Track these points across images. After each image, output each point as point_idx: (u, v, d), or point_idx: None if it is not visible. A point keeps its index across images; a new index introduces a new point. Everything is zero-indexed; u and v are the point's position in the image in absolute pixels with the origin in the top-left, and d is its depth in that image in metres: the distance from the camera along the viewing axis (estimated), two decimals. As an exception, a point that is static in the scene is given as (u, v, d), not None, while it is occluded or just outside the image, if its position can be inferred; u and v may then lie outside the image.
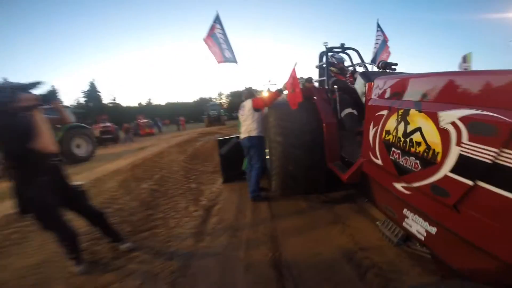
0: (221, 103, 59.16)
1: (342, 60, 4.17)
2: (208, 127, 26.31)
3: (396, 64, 3.04)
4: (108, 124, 19.87)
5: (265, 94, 4.99)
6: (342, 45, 4.39)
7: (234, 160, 5.29)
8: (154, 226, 3.73)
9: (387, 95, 2.44)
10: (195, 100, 65.60)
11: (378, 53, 5.83)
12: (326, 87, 4.03)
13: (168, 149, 12.06)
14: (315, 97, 3.86)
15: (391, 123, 2.27)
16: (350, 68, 4.30)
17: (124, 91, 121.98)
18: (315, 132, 3.60)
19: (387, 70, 3.04)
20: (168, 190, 5.43)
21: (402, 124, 2.08)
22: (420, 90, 2.01)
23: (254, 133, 4.14)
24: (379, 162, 2.40)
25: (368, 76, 2.83)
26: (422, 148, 1.81)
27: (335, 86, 3.72)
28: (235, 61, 5.61)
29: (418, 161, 1.84)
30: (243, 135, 4.29)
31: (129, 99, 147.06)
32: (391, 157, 2.16)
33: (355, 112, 3.51)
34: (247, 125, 4.19)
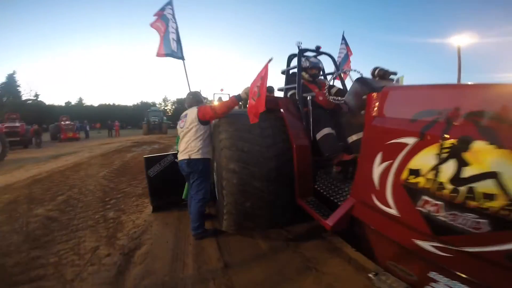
0: (165, 109, 54.74)
1: (318, 66, 3.11)
2: (147, 135, 23.25)
3: (395, 73, 2.21)
4: (17, 124, 15.86)
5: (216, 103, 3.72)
6: (318, 48, 3.25)
7: (169, 184, 3.87)
8: (39, 277, 2.40)
9: (414, 113, 1.52)
10: (135, 104, 59.54)
11: (341, 66, 5.21)
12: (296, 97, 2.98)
13: (90, 159, 9.69)
14: (282, 110, 2.83)
15: (425, 159, 1.40)
16: (323, 78, 3.43)
17: (52, 87, 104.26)
18: (282, 157, 2.59)
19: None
20: (72, 220, 3.81)
21: (453, 163, 1.28)
22: (493, 110, 1.20)
23: (196, 155, 2.87)
24: (392, 211, 1.59)
25: (368, 84, 1.91)
26: (497, 203, 1.14)
27: (308, 98, 2.78)
28: (181, 57, 4.44)
29: (484, 221, 1.19)
30: (181, 157, 2.94)
31: (56, 97, 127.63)
32: (419, 208, 1.42)
33: (333, 133, 2.62)
34: (188, 142, 2.88)
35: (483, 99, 1.28)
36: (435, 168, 1.36)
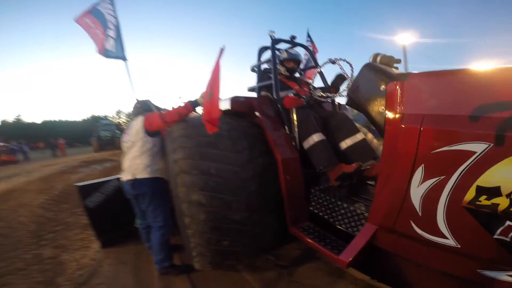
0: (119, 122, 50.03)
1: (296, 58, 2.49)
2: (98, 153, 19.72)
3: (399, 61, 1.74)
4: None
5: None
6: (292, 38, 2.64)
7: (119, 213, 2.94)
8: None
9: (474, 107, 1.03)
10: (86, 118, 53.82)
11: (308, 63, 4.82)
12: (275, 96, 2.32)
13: (25, 185, 7.84)
14: (258, 113, 2.19)
15: (506, 172, 0.90)
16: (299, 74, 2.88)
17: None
18: (264, 176, 1.93)
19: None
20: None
21: None
22: None
23: (143, 174, 2.17)
24: (447, 241, 1.11)
25: (386, 71, 1.38)
26: None
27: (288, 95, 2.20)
28: (123, 57, 3.78)
29: None
30: (125, 177, 2.25)
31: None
32: (497, 237, 0.99)
33: (325, 139, 2.04)
34: (132, 159, 2.21)
35: None
36: None
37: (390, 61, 1.55)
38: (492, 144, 0.94)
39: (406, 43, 15.32)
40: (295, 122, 2.08)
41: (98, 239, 3.07)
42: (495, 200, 0.95)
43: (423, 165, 1.13)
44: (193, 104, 2.12)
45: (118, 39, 3.81)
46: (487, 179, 0.96)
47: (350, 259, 1.37)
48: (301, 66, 2.55)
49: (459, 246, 1.07)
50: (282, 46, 2.68)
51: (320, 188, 1.99)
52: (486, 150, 0.96)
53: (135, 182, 2.17)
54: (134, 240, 3.02)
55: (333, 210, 1.79)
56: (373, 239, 1.38)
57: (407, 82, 1.22)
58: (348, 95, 1.55)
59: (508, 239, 0.96)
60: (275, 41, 2.44)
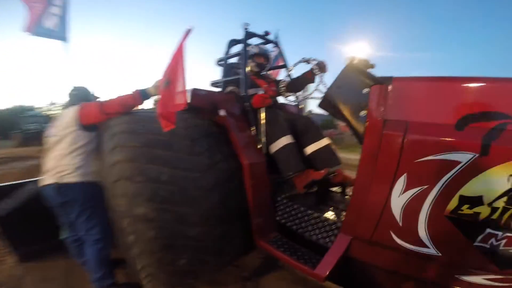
0: (50, 115, 42.70)
1: (268, 54, 2.30)
2: (20, 148, 17.27)
3: (373, 66, 1.72)
4: None
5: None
6: (266, 33, 2.46)
7: (38, 223, 2.33)
8: None
9: (459, 116, 1.02)
10: (8, 108, 44.78)
11: (273, 63, 4.76)
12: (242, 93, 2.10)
13: None
14: (222, 110, 1.90)
15: (489, 182, 0.94)
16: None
17: None
18: (227, 184, 1.67)
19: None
20: None
21: None
22: None
23: (72, 177, 1.74)
24: (428, 251, 1.11)
25: (368, 73, 1.33)
26: None
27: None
28: (63, 38, 3.46)
29: None
30: (47, 180, 1.79)
31: None
32: (478, 244, 1.02)
33: (294, 142, 1.91)
34: (59, 158, 1.76)
35: None
36: (510, 194, 0.89)
37: (365, 65, 1.49)
38: (477, 154, 0.94)
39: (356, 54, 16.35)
40: (263, 123, 1.92)
41: (14, 252, 2.48)
42: (477, 209, 0.97)
43: (405, 174, 1.10)
44: (142, 94, 1.77)
45: (64, 18, 3.48)
46: (470, 188, 0.97)
47: (327, 273, 1.27)
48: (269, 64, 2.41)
49: (440, 254, 1.08)
50: (252, 41, 2.50)
51: (286, 196, 1.86)
52: (471, 160, 0.96)
53: (61, 187, 1.73)
54: (64, 254, 2.51)
55: (302, 219, 1.68)
56: (348, 250, 1.32)
57: (390, 86, 1.17)
58: (326, 96, 1.45)
59: (488, 246, 0.99)
60: (249, 35, 2.25)
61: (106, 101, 1.76)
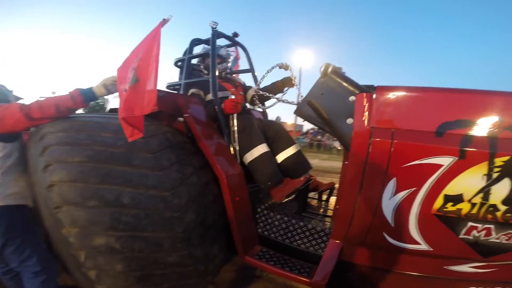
0: None
1: (226, 55, 2.14)
2: None
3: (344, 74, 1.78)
4: None
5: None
6: (235, 34, 2.31)
7: None
8: None
9: (438, 124, 1.13)
10: None
11: (232, 65, 4.60)
12: (210, 97, 1.88)
13: None
14: (187, 115, 1.64)
15: (468, 181, 1.07)
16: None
17: None
18: (202, 200, 1.45)
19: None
20: None
21: (507, 182, 1.03)
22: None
23: None
24: (420, 247, 1.19)
25: (353, 81, 1.34)
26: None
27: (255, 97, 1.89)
28: None
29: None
30: None
31: None
32: (463, 237, 1.13)
33: (270, 151, 1.82)
34: None
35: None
36: (485, 191, 1.03)
37: (340, 73, 1.51)
38: (456, 158, 1.04)
39: (302, 64, 16.71)
40: (236, 130, 1.79)
41: None
42: (459, 206, 1.09)
43: (394, 178, 1.15)
44: (84, 94, 1.41)
45: None
46: (452, 188, 1.08)
47: (326, 280, 1.24)
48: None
49: (431, 249, 1.17)
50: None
51: (265, 207, 1.78)
52: (451, 163, 1.07)
53: None
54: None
55: (287, 229, 1.61)
56: (341, 255, 1.32)
57: (375, 95, 1.21)
58: (308, 103, 1.42)
59: (471, 237, 1.12)
60: (217, 35, 2.08)
61: (32, 103, 1.37)
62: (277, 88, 2.03)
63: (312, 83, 1.46)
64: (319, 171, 7.81)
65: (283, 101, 1.79)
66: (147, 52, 1.22)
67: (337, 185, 1.99)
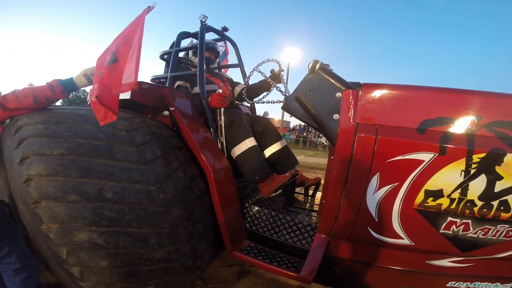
0: None
1: (216, 48, 2.13)
2: None
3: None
4: None
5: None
6: (224, 28, 2.26)
7: None
8: None
9: (419, 121, 1.15)
10: None
11: (221, 60, 4.54)
12: (196, 90, 1.82)
13: None
14: (172, 108, 1.59)
15: (448, 177, 1.10)
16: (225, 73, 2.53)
17: None
18: (188, 195, 1.42)
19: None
20: None
21: (483, 178, 1.07)
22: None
23: None
24: (402, 241, 1.22)
25: (339, 77, 1.34)
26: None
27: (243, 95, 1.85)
28: None
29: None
30: None
31: None
32: (442, 231, 1.16)
33: (257, 144, 1.78)
34: None
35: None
36: (463, 186, 1.07)
37: (328, 70, 1.51)
38: (436, 154, 1.07)
39: (291, 61, 16.42)
40: (223, 124, 1.76)
41: None
42: (439, 201, 1.11)
43: (378, 173, 1.17)
44: (64, 85, 1.35)
45: None
46: (432, 183, 1.11)
47: (313, 274, 1.25)
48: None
49: (413, 244, 1.21)
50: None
51: (252, 201, 1.77)
52: (432, 159, 1.09)
53: None
54: None
55: (274, 224, 1.61)
56: (327, 249, 1.33)
57: (361, 92, 1.21)
58: (295, 99, 1.41)
59: (450, 232, 1.15)
60: (206, 28, 2.02)
61: (7, 94, 1.29)
62: (265, 85, 2.01)
63: (299, 80, 1.46)
64: (305, 167, 7.90)
65: (270, 102, 1.79)
66: (129, 37, 1.17)
67: (322, 181, 2.00)
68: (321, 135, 1.78)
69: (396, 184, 1.14)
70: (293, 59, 17.20)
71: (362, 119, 1.21)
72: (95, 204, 1.14)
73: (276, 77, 1.91)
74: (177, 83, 1.91)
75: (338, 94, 1.29)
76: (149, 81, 2.09)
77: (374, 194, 1.18)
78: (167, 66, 2.11)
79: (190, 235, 1.38)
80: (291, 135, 18.31)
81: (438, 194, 1.09)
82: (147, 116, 1.66)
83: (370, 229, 1.22)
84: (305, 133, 17.41)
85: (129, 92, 1.55)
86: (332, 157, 1.31)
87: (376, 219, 1.20)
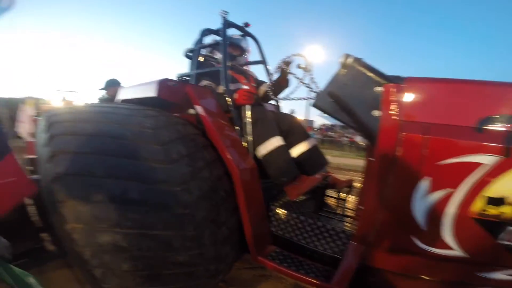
0: None
1: (243, 46, 2.05)
2: None
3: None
4: None
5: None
6: (246, 24, 2.15)
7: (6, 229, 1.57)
8: None
9: (477, 119, 1.00)
10: None
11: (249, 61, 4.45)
12: (223, 88, 1.74)
13: None
14: (198, 106, 1.54)
15: (508, 184, 0.94)
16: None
17: None
18: (213, 196, 1.33)
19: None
20: None
21: None
22: None
23: None
24: (453, 252, 1.06)
25: (378, 70, 1.20)
26: None
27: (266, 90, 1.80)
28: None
29: None
30: None
31: None
32: (503, 242, 0.99)
33: (285, 144, 1.68)
34: None
35: None
36: None
37: (363, 63, 1.35)
38: (498, 156, 0.92)
39: (314, 59, 15.96)
40: (249, 122, 1.66)
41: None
42: (501, 209, 0.97)
43: (428, 177, 1.02)
44: None
45: None
46: (493, 189, 0.97)
47: (346, 285, 1.13)
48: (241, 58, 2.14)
49: (465, 255, 1.05)
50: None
51: (279, 204, 1.65)
52: (493, 162, 0.96)
53: None
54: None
55: (303, 229, 1.50)
56: (362, 259, 1.19)
57: (405, 86, 1.06)
58: (328, 95, 1.28)
59: (510, 243, 0.99)
60: (228, 24, 1.94)
61: None
62: (282, 79, 1.88)
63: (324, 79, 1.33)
64: (331, 167, 7.62)
65: (298, 99, 1.65)
66: None
67: (355, 183, 1.84)
68: (348, 135, 1.62)
69: (450, 189, 0.99)
70: (317, 58, 16.53)
71: (406, 116, 1.07)
72: (120, 205, 1.09)
73: (305, 71, 1.78)
74: (203, 83, 1.85)
75: (378, 89, 1.15)
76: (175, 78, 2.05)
77: (423, 200, 1.03)
78: (192, 63, 2.06)
79: (215, 239, 1.31)
80: (316, 134, 17.85)
81: (500, 201, 0.94)
82: (173, 114, 1.60)
83: (415, 239, 1.08)
84: (330, 133, 16.86)
85: (155, 90, 1.51)
86: (371, 159, 1.17)
87: (423, 228, 1.05)
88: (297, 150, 1.79)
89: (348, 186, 1.86)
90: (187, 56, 2.14)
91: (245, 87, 1.68)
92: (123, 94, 1.95)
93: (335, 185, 1.82)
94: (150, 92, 1.53)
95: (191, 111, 1.68)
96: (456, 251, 1.04)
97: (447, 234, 1.03)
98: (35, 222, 1.77)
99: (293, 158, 1.76)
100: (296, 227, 1.52)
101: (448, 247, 1.05)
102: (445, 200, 1.00)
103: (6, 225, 1.76)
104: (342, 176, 2.26)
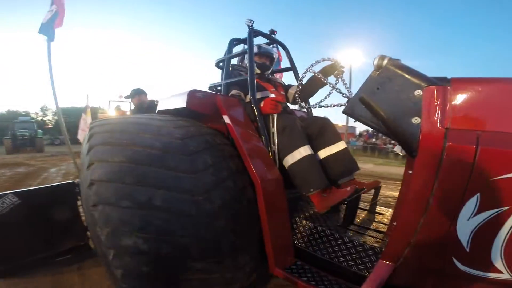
0: (42, 120, 40.06)
1: (271, 54, 2.00)
2: (11, 154, 14.77)
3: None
4: None
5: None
6: (272, 32, 2.16)
7: (17, 238, 1.89)
8: None
9: None
10: (2, 112, 40.94)
11: (276, 66, 4.48)
12: (249, 98, 1.75)
13: None
14: (226, 116, 1.55)
15: None
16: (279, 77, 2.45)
17: None
18: (234, 206, 1.32)
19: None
20: None
21: None
22: None
23: None
24: (502, 276, 0.90)
25: (417, 72, 1.06)
26: None
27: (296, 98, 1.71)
28: (49, 35, 3.31)
29: None
30: None
31: None
32: None
33: (314, 154, 1.60)
34: None
35: None
36: None
37: (399, 65, 1.21)
38: None
39: (352, 63, 15.07)
40: (275, 131, 1.61)
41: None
42: None
43: (478, 193, 0.86)
44: None
45: (55, 14, 3.33)
46: None
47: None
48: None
49: None
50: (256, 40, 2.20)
51: (305, 216, 1.57)
52: None
53: None
54: (49, 269, 2.00)
55: (328, 244, 1.41)
56: (391, 278, 1.05)
57: (450, 88, 0.90)
58: (360, 100, 1.16)
59: None
60: (254, 33, 1.95)
61: None
62: (317, 81, 1.77)
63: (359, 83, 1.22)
64: (373, 176, 7.07)
65: (329, 106, 1.54)
66: None
67: (382, 184, 1.66)
68: (393, 142, 1.46)
69: (505, 208, 0.81)
70: (353, 61, 15.44)
71: (454, 123, 0.92)
72: (144, 211, 1.15)
73: (330, 70, 1.67)
74: (232, 92, 1.87)
75: (418, 92, 1.01)
76: (207, 89, 2.11)
77: (470, 220, 0.88)
78: (222, 73, 2.10)
79: (233, 247, 1.30)
80: (358, 141, 16.77)
81: None
82: (203, 125, 1.65)
83: (456, 260, 0.94)
84: (374, 139, 15.68)
85: (184, 101, 1.57)
86: (410, 171, 1.02)
87: (467, 249, 0.91)
88: (325, 152, 1.70)
89: (375, 188, 1.70)
90: (218, 66, 2.20)
91: (273, 95, 1.64)
92: (160, 105, 2.08)
93: (362, 186, 1.66)
94: (180, 103, 1.60)
95: (222, 120, 1.71)
96: (505, 274, 0.88)
97: (496, 256, 0.88)
98: (83, 221, 1.98)
99: (320, 160, 1.68)
100: (321, 241, 1.44)
101: (496, 270, 0.89)
102: (497, 221, 0.85)
103: (59, 223, 2.02)
104: (385, 186, 2.04)
